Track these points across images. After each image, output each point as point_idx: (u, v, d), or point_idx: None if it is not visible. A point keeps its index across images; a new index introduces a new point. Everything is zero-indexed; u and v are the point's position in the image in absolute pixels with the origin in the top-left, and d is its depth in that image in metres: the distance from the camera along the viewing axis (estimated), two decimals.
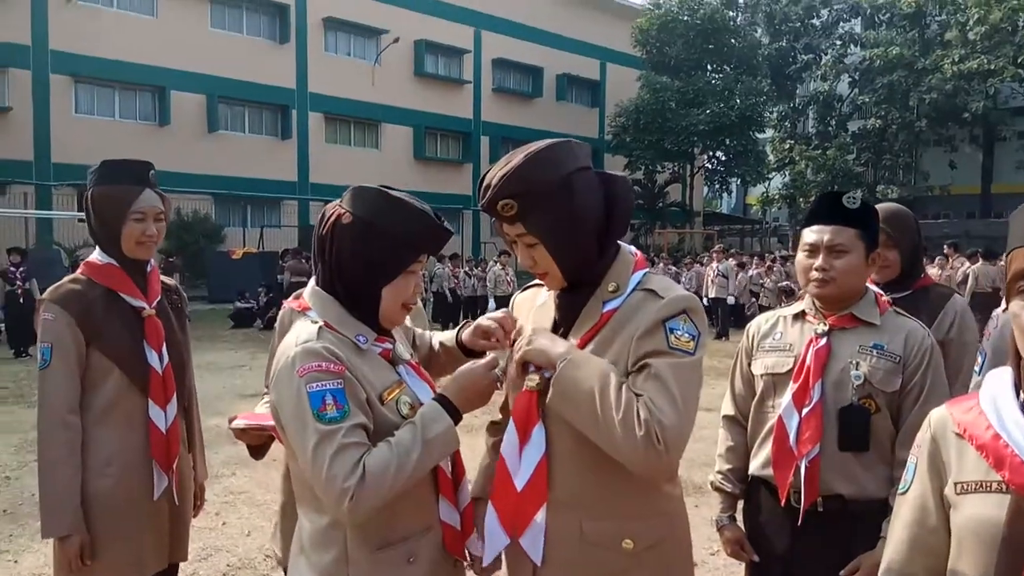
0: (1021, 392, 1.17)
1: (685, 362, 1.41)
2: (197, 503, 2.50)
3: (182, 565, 3.85)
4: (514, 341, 1.60)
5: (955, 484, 1.19)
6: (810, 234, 1.99)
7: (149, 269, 2.28)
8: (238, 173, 24.83)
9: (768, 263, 16.45)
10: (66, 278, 2.21)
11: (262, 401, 2.66)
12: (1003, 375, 1.21)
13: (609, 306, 1.51)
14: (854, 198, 1.95)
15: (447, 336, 1.87)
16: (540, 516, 1.50)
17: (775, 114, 33.71)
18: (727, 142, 30.35)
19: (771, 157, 32.93)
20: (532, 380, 1.52)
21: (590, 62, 34.22)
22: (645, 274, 1.55)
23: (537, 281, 1.71)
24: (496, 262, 15.39)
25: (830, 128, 33.33)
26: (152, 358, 2.19)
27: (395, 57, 28.20)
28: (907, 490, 1.30)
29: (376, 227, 1.50)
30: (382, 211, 1.52)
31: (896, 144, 31.04)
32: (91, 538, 2.08)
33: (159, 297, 2.29)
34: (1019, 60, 26.67)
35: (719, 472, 2.18)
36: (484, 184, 1.50)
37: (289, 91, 26.34)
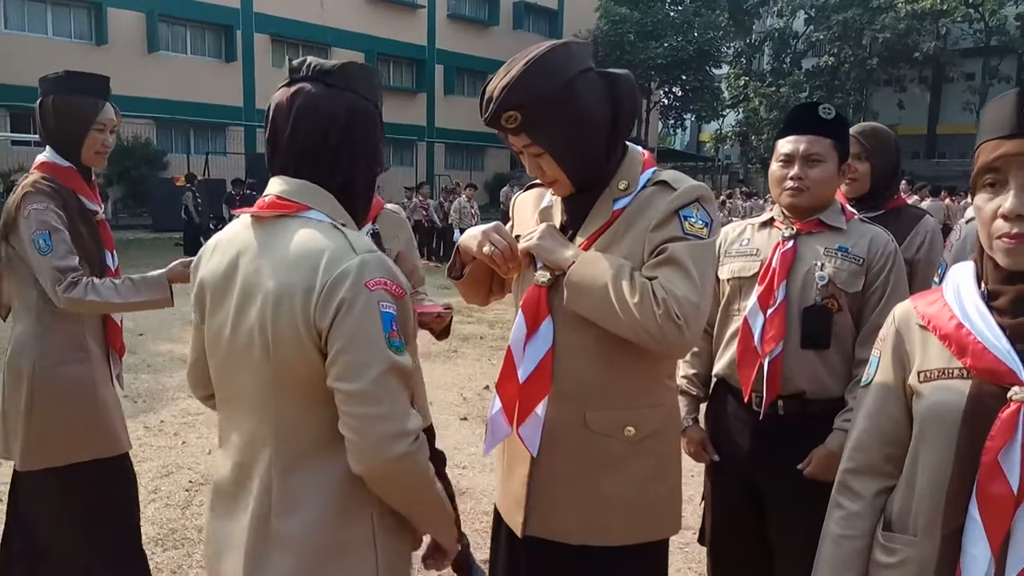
0: (982, 283, 1.21)
1: (698, 244, 1.44)
2: None
3: (143, 482, 3.87)
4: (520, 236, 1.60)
5: (919, 373, 1.23)
6: (786, 144, 2.01)
7: (93, 177, 2.38)
8: (180, 97, 23.80)
9: (723, 198, 16.85)
10: (31, 176, 2.25)
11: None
12: (966, 268, 1.25)
13: (620, 204, 1.52)
14: (829, 109, 1.97)
15: None
16: (541, 408, 1.51)
17: (731, 50, 33.62)
18: (684, 77, 30.18)
19: (726, 94, 32.98)
20: (543, 276, 1.53)
21: None
22: (655, 171, 1.55)
23: (539, 181, 1.69)
24: (462, 193, 15.27)
25: (785, 65, 33.47)
26: (108, 258, 2.36)
27: None
28: (870, 382, 1.35)
29: (376, 111, 1.37)
30: (374, 90, 1.37)
31: (848, 83, 31.31)
32: (76, 416, 2.22)
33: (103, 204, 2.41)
34: None
35: (684, 376, 2.22)
36: (485, 97, 1.46)
37: (233, 11, 25.15)
